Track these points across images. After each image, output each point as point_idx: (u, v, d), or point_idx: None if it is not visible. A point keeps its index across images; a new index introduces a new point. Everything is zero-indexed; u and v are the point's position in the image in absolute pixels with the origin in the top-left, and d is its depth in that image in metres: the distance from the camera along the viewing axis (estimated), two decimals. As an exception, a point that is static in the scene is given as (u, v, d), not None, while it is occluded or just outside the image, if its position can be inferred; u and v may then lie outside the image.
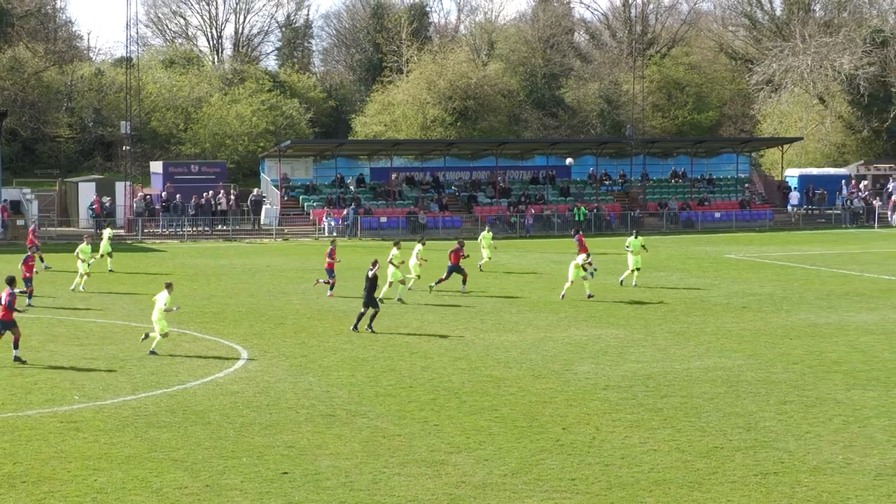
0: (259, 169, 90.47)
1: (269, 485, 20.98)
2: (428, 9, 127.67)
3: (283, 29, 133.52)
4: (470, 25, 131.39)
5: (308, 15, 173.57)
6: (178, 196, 78.98)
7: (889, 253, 66.15)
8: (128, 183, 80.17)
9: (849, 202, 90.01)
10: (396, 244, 46.42)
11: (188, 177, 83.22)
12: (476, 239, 60.96)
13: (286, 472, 21.69)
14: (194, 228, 77.67)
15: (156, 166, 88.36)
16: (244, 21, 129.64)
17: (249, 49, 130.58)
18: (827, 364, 32.53)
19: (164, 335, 33.47)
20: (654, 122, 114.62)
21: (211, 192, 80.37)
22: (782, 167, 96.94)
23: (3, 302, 31.47)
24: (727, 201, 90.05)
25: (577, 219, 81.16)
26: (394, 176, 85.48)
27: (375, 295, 38.08)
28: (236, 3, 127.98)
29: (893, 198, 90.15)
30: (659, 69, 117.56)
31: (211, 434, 24.44)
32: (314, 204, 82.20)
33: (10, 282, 32.31)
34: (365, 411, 26.59)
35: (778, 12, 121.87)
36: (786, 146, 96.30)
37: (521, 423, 25.51)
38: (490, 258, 56.53)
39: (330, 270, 47.22)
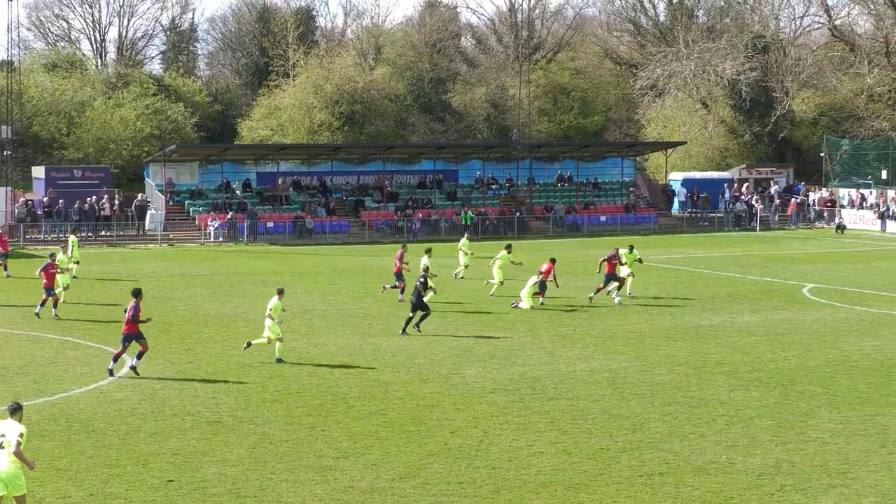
0: (144, 174, 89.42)
1: (155, 493, 20.74)
2: (315, 13, 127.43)
3: (168, 32, 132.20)
4: (357, 30, 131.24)
5: (193, 18, 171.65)
6: (60, 201, 77.76)
7: (771, 255, 67.25)
8: (9, 188, 78.77)
9: (731, 205, 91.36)
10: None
11: (71, 182, 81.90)
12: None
13: (172, 480, 21.45)
14: (78, 234, 76.44)
15: (38, 171, 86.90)
16: (128, 24, 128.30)
17: (134, 53, 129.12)
18: (711, 365, 32.96)
19: (279, 339, 33.29)
20: (540, 126, 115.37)
21: (94, 198, 79.23)
22: (666, 171, 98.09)
23: (127, 314, 30.95)
24: (612, 205, 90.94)
25: (464, 223, 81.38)
26: (280, 181, 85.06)
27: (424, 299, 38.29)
28: (120, 7, 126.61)
29: (775, 201, 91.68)
30: (545, 74, 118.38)
31: (95, 442, 24.10)
32: (200, 209, 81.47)
33: (136, 294, 31.58)
34: (252, 417, 26.40)
35: (662, 18, 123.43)
36: (670, 150, 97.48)
37: (409, 428, 25.50)
38: (467, 266, 55.18)
39: (398, 274, 46.59)
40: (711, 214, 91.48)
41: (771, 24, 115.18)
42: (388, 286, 47.05)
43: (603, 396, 28.67)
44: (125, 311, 31.09)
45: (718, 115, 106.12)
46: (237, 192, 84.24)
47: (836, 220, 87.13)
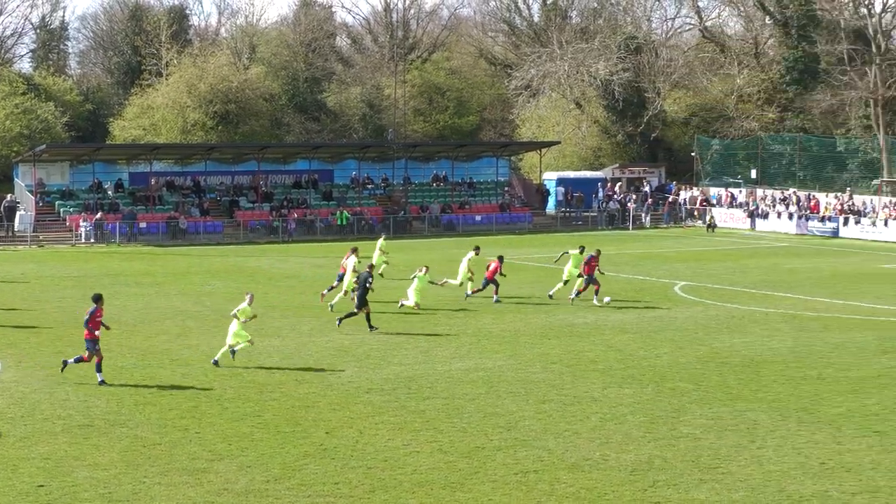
0: (12, 174, 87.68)
1: (24, 498, 20.37)
2: (188, 11, 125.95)
3: (38, 31, 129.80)
4: (231, 28, 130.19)
5: (64, 16, 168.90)
6: (-74, 202, 76.06)
7: (643, 253, 68.07)
8: None
9: (605, 204, 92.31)
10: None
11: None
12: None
13: (42, 485, 21.09)
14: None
15: None
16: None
17: (2, 51, 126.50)
18: (584, 363, 33.27)
19: (249, 342, 32.84)
20: (415, 126, 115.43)
21: (-39, 199, 77.59)
22: (541, 170, 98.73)
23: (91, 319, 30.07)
24: (488, 204, 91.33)
25: (339, 223, 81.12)
26: (153, 181, 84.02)
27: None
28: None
29: (648, 200, 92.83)
30: (420, 74, 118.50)
31: (-39, 448, 23.60)
32: (71, 210, 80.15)
33: (97, 299, 30.42)
34: (124, 420, 26.05)
35: (536, 18, 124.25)
36: (544, 150, 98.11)
37: (285, 429, 25.36)
38: (386, 263, 54.32)
39: (342, 276, 44.92)
40: (585, 213, 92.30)
41: (643, 26, 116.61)
42: (325, 291, 46.04)
43: (478, 395, 28.79)
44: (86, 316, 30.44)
45: (592, 115, 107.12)
46: (109, 192, 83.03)
47: (707, 219, 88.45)
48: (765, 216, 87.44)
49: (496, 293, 45.89)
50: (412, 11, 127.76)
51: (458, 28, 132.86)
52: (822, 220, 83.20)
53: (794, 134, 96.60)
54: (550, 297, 46.53)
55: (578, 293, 45.66)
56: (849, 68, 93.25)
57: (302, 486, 21.29)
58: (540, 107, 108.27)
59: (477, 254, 48.23)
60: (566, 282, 46.79)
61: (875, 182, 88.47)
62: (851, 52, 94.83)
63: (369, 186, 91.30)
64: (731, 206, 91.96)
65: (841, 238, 79.92)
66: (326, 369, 32.04)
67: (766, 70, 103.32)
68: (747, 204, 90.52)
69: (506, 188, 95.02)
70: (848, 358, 34.31)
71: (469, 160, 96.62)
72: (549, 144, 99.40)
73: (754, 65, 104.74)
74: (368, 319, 38.46)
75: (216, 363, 32.21)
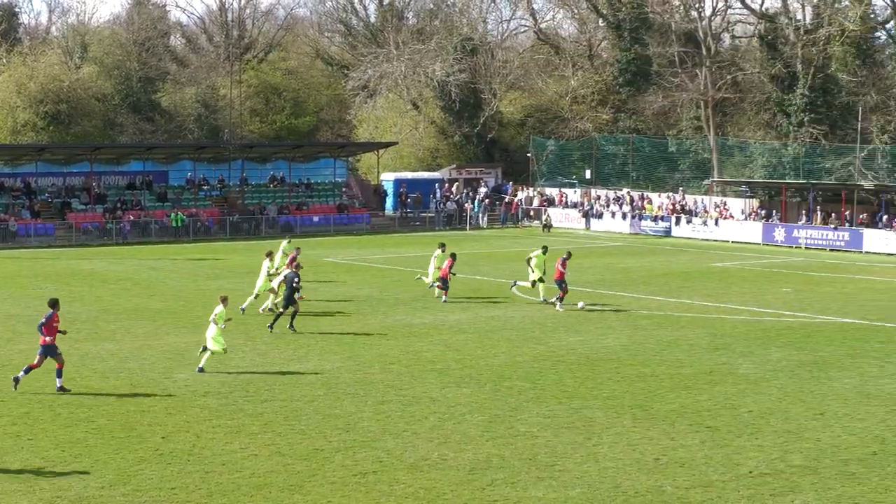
0: None
1: None
2: (17, 9, 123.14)
3: None
4: (62, 27, 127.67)
5: None
6: None
7: (480, 253, 68.52)
8: None
9: (442, 205, 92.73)
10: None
11: None
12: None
13: None
14: None
15: None
16: None
17: None
18: (423, 363, 33.37)
19: (224, 350, 32.15)
20: (252, 126, 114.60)
21: None
22: (378, 171, 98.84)
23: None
24: (325, 205, 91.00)
25: (174, 225, 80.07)
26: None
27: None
28: None
29: (484, 200, 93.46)
30: (256, 74, 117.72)
31: None
32: None
33: (53, 304, 30.20)
34: (-48, 429, 25.36)
35: (372, 19, 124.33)
36: (382, 151, 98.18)
37: (119, 434, 24.94)
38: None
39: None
40: (423, 214, 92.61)
41: (479, 27, 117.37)
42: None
43: (316, 397, 28.68)
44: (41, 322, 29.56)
45: (429, 116, 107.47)
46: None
47: (543, 219, 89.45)
48: (599, 216, 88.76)
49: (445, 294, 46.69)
50: (248, 11, 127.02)
51: (295, 28, 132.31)
52: (655, 219, 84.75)
53: (628, 135, 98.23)
54: (544, 300, 46.14)
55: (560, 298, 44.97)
56: (680, 70, 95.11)
57: (137, 491, 20.97)
58: (377, 107, 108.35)
59: (443, 251, 48.51)
60: (540, 280, 46.50)
61: (706, 182, 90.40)
62: (682, 55, 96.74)
63: (205, 188, 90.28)
64: (566, 206, 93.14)
65: (673, 237, 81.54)
66: (162, 373, 31.61)
67: (600, 72, 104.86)
68: (582, 204, 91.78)
69: (343, 189, 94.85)
70: (680, 355, 35.00)
71: (306, 161, 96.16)
72: (387, 145, 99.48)
73: (588, 66, 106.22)
74: (293, 319, 38.82)
75: (201, 370, 31.66)
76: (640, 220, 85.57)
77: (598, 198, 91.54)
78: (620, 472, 22.46)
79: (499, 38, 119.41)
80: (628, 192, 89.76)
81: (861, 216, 76.27)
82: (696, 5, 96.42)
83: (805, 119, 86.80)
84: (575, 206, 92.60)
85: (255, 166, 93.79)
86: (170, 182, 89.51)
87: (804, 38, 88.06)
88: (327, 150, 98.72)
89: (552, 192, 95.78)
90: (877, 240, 70.83)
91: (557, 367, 32.78)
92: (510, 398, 28.81)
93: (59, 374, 29.43)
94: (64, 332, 30.17)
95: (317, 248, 70.99)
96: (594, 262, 63.96)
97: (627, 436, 25.21)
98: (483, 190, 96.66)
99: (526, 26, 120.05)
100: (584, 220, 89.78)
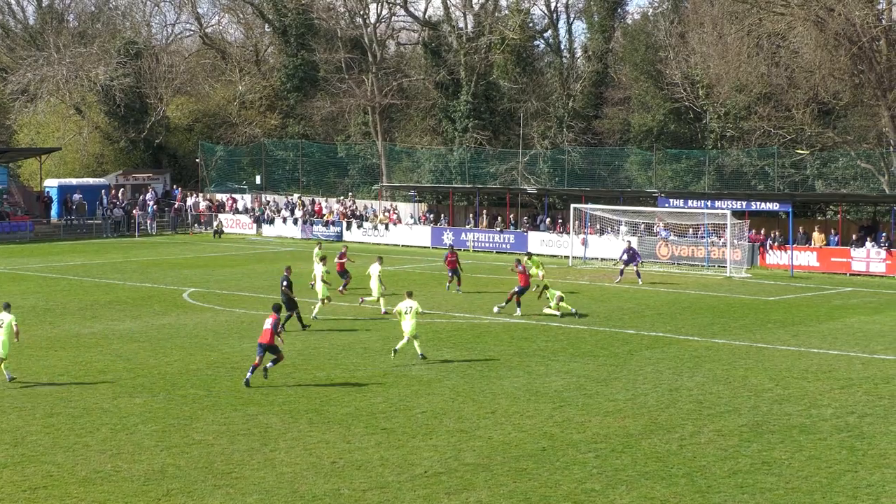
0: None
1: None
2: None
3: None
4: None
5: None
6: None
7: (149, 261, 67.38)
8: None
9: (109, 211, 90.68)
10: None
11: None
12: None
13: None
14: None
15: None
16: None
17: None
18: (93, 374, 32.59)
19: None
20: None
21: None
22: (41, 178, 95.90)
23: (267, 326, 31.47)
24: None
25: None
26: None
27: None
28: None
29: (153, 206, 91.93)
30: None
31: None
32: None
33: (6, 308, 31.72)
34: None
35: (31, 21, 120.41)
36: (44, 157, 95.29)
37: None
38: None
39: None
40: (90, 221, 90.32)
41: (143, 31, 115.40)
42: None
43: (-19, 412, 27.62)
44: None
45: (93, 121, 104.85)
46: None
47: (215, 225, 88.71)
48: (270, 221, 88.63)
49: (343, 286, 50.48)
50: None
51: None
52: (327, 224, 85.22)
53: (297, 140, 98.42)
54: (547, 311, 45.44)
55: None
56: (347, 76, 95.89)
57: None
58: (38, 112, 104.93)
59: (381, 264, 47.63)
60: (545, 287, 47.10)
61: (375, 187, 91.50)
62: (349, 61, 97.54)
63: None
64: (236, 212, 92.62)
65: (345, 242, 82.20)
66: None
67: (268, 77, 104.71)
68: (253, 209, 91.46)
69: (5, 196, 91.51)
70: (355, 358, 35.31)
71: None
72: (50, 151, 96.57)
73: (255, 72, 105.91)
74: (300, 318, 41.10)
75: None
76: (311, 225, 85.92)
77: (269, 203, 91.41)
78: (298, 477, 22.49)
79: (164, 42, 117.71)
80: (299, 197, 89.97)
81: (525, 219, 78.71)
82: (361, 12, 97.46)
83: (469, 125, 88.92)
84: (246, 211, 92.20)
85: None
86: None
87: (467, 45, 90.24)
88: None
89: (222, 197, 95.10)
90: (540, 241, 73.22)
91: (232, 374, 32.56)
92: (185, 406, 28.45)
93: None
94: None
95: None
96: (266, 267, 63.82)
97: (304, 440, 25.27)
98: (151, 195, 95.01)
99: (191, 31, 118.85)
100: (255, 225, 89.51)
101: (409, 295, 35.59)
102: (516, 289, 45.42)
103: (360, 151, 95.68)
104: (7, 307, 32.05)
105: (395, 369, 33.56)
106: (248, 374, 30.98)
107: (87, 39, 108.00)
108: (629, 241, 61.83)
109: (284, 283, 41.36)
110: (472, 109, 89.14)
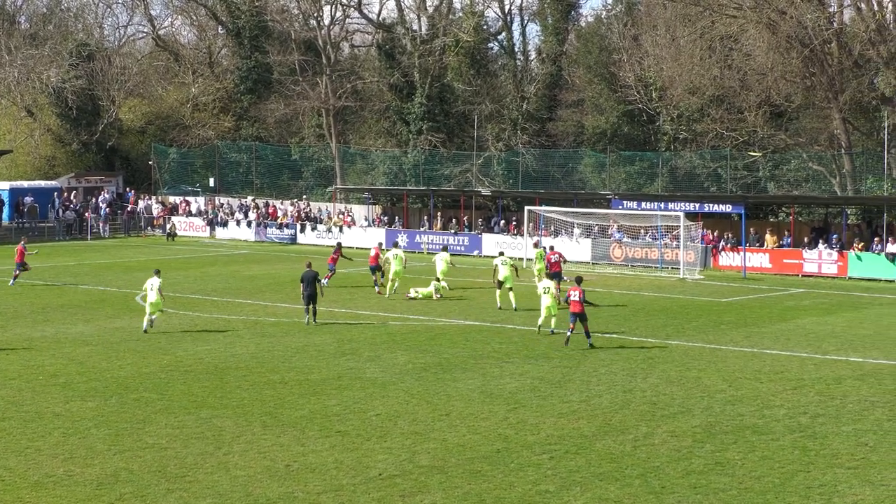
0: None
1: None
2: None
3: None
4: None
5: None
6: None
7: (102, 264, 67.00)
8: None
9: (62, 214, 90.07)
10: None
11: None
12: None
13: None
14: None
15: None
16: None
17: None
18: (45, 377, 32.37)
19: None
20: None
21: None
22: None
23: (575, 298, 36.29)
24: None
25: None
26: None
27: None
28: None
29: (106, 209, 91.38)
30: None
31: None
32: None
33: (579, 281, 38.21)
34: None
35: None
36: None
37: None
38: None
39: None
40: (41, 224, 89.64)
41: (95, 33, 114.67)
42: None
43: (-69, 417, 27.37)
44: None
45: (45, 123, 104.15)
46: None
47: (168, 228, 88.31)
48: (224, 224, 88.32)
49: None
50: None
51: None
52: (281, 227, 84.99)
53: (251, 142, 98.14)
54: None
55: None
56: (301, 79, 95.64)
57: None
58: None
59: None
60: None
61: (329, 189, 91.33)
62: (303, 63, 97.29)
63: None
64: (190, 214, 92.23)
65: (299, 244, 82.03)
66: None
67: (221, 79, 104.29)
68: (206, 212, 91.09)
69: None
70: (309, 361, 35.24)
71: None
72: (1, 154, 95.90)
73: (209, 74, 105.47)
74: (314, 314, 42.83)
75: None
76: (265, 227, 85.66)
77: (222, 205, 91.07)
78: (252, 481, 22.40)
79: (116, 44, 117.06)
80: (253, 200, 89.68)
81: (479, 221, 78.78)
82: (315, 14, 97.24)
83: (424, 127, 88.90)
84: (199, 214, 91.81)
85: None
86: None
87: (421, 48, 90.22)
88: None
89: (175, 200, 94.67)
90: (494, 243, 73.25)
91: (186, 377, 32.42)
92: (137, 410, 28.29)
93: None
94: None
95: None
96: (220, 270, 63.64)
97: (258, 443, 25.18)
98: (103, 198, 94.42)
99: (144, 32, 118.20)
100: (208, 228, 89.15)
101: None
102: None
103: (315, 154, 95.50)
104: (157, 273, 41.07)
105: (348, 371, 33.52)
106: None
107: (39, 41, 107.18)
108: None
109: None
110: (426, 112, 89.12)
